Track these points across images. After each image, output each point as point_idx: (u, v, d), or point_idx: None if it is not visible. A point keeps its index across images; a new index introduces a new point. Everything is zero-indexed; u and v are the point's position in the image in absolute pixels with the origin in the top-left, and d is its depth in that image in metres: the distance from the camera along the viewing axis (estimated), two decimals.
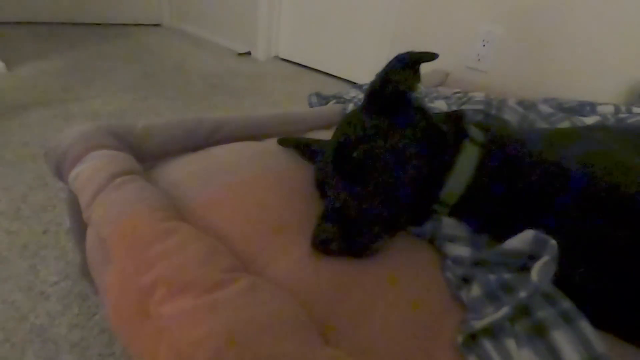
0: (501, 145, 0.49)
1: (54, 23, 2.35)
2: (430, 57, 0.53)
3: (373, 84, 0.54)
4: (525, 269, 0.38)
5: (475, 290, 0.38)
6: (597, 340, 0.32)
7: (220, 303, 0.33)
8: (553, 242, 0.37)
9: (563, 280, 0.38)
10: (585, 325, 0.33)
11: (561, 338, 0.33)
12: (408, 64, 0.52)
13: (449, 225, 0.48)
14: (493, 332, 0.34)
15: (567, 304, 0.35)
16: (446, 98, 0.86)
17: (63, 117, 1.25)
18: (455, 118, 0.53)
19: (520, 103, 0.93)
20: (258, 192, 0.51)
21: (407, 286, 0.41)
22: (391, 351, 0.34)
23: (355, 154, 0.47)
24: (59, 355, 0.53)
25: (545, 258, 0.36)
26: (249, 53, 2.41)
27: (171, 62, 2.04)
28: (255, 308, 0.33)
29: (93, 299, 0.62)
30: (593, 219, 0.40)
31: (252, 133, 0.70)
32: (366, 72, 0.48)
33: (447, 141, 0.50)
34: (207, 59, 2.22)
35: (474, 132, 0.51)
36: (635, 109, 0.95)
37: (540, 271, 0.35)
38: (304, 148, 0.64)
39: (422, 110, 0.53)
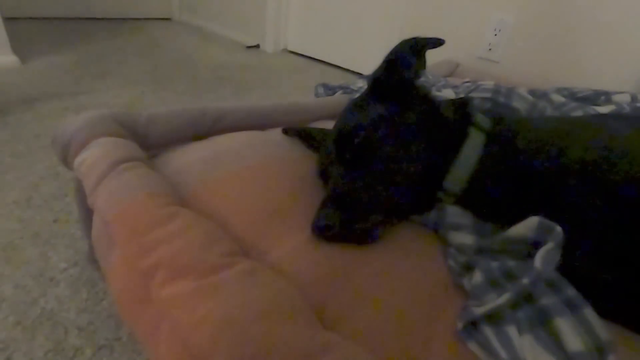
0: (508, 132, 0.48)
1: (67, 18, 2.39)
2: (437, 42, 0.52)
3: (377, 70, 0.54)
4: (529, 256, 0.37)
5: (478, 277, 0.37)
6: (602, 328, 0.31)
7: (219, 286, 0.33)
8: (558, 228, 0.36)
9: (568, 268, 0.37)
10: (589, 313, 0.32)
11: (564, 325, 0.32)
12: (413, 50, 0.51)
13: (454, 213, 0.47)
14: (494, 318, 0.33)
15: (571, 292, 0.34)
16: (454, 87, 0.84)
17: (74, 109, 1.27)
18: (461, 105, 0.52)
19: (532, 92, 0.91)
20: (260, 179, 0.51)
21: (407, 273, 0.40)
22: (388, 336, 0.34)
23: (357, 141, 0.46)
24: (68, 338, 0.55)
25: (549, 245, 0.35)
26: (257, 46, 2.41)
27: (181, 56, 2.06)
28: (252, 292, 0.33)
29: (101, 285, 0.64)
30: (599, 207, 0.39)
31: (256, 123, 0.70)
32: (374, 63, 0.48)
33: (452, 128, 0.49)
34: (216, 52, 2.22)
35: (480, 118, 0.50)
36: None
37: (544, 258, 0.34)
38: (308, 137, 0.64)
39: (426, 97, 0.52)
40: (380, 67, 0.53)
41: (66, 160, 0.51)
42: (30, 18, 2.26)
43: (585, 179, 0.41)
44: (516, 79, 1.26)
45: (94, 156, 0.46)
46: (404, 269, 0.41)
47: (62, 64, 1.66)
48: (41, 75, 1.52)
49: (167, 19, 2.91)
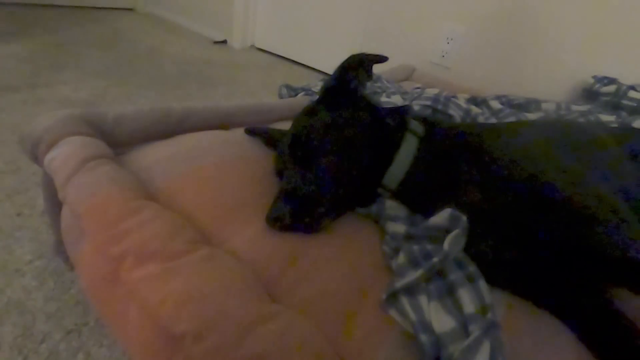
0: (436, 137, 0.57)
1: (22, 4, 2.28)
2: (381, 58, 0.59)
3: (328, 80, 0.61)
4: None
5: (402, 259, 0.45)
6: (487, 294, 0.40)
7: (182, 268, 0.39)
8: (464, 218, 0.45)
9: (475, 248, 0.46)
10: (482, 284, 0.41)
11: (464, 294, 0.41)
12: (360, 64, 0.59)
13: (391, 207, 0.55)
14: (410, 290, 0.41)
15: (472, 268, 0.43)
16: (403, 93, 0.93)
17: (33, 103, 1.25)
18: (399, 112, 0.60)
19: (473, 98, 1.02)
20: (222, 176, 0.56)
21: (347, 257, 0.47)
22: (327, 306, 0.41)
23: (307, 143, 0.53)
24: (36, 324, 0.58)
25: (456, 231, 0.44)
26: (225, 42, 2.41)
27: (145, 48, 2.03)
28: (211, 272, 0.39)
29: (68, 275, 0.67)
30: (502, 200, 0.48)
31: (221, 122, 0.75)
32: (338, 63, 0.53)
33: (390, 133, 0.57)
34: (182, 46, 2.21)
35: (414, 125, 0.58)
36: (574, 107, 1.06)
37: (451, 241, 0.43)
38: (268, 137, 0.70)
39: (370, 106, 0.59)
40: (331, 78, 0.60)
41: (36, 158, 0.54)
42: None
43: (493, 178, 0.50)
44: (465, 84, 1.38)
45: (64, 154, 0.50)
46: (345, 253, 0.48)
47: (18, 54, 1.61)
48: None
49: (130, 9, 2.83)
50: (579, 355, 0.43)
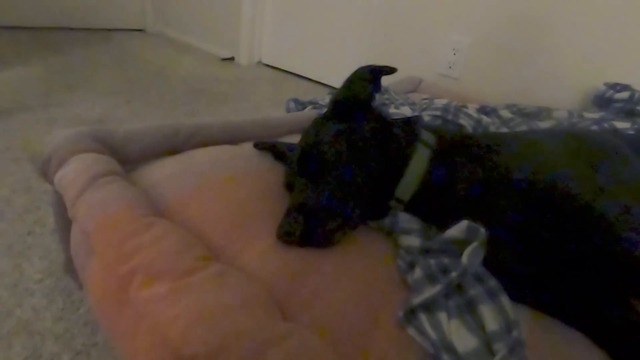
0: (449, 147, 0.56)
1: (37, 28, 2.35)
2: (390, 70, 0.59)
3: (337, 93, 0.60)
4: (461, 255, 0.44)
5: (418, 273, 0.44)
6: (512, 310, 0.38)
7: (192, 287, 0.38)
8: (482, 230, 0.43)
9: (494, 262, 0.44)
10: (504, 299, 0.39)
11: (486, 311, 0.39)
12: (369, 76, 0.58)
13: (404, 219, 0.53)
14: (429, 307, 0.40)
15: (492, 282, 0.41)
16: (412, 104, 0.92)
17: (45, 122, 1.27)
18: (409, 123, 0.59)
19: (483, 108, 1.00)
20: (231, 191, 0.56)
21: (361, 272, 0.46)
22: (342, 324, 0.39)
23: (317, 156, 0.52)
24: (45, 346, 0.57)
25: (474, 244, 0.42)
26: (232, 58, 2.45)
27: (154, 67, 2.07)
28: (222, 291, 0.38)
29: (77, 294, 0.66)
30: (522, 211, 0.47)
31: (229, 137, 0.75)
32: (345, 77, 0.54)
33: (401, 144, 0.56)
34: (191, 64, 2.25)
35: (426, 135, 0.57)
36: (587, 114, 1.04)
37: (469, 255, 0.41)
38: (277, 151, 0.69)
39: (380, 117, 0.58)
40: (340, 90, 0.59)
41: (46, 176, 0.54)
42: None
43: (510, 189, 0.49)
44: (473, 95, 1.37)
45: (74, 171, 0.50)
46: (358, 268, 0.47)
47: (31, 75, 1.65)
48: (10, 86, 1.50)
49: (140, 30, 2.91)
50: None
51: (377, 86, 0.60)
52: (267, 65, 2.44)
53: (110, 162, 0.54)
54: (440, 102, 0.85)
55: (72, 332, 0.59)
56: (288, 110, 1.10)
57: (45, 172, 0.53)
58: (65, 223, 0.57)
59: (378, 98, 1.07)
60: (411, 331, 0.39)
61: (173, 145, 0.66)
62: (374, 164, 0.53)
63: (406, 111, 0.85)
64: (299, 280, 0.43)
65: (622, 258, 0.42)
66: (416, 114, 0.80)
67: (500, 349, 0.34)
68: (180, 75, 2.01)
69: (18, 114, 1.29)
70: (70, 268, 0.61)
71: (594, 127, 0.94)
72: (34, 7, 2.36)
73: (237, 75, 2.18)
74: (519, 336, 0.36)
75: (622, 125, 0.95)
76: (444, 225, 0.51)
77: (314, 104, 1.07)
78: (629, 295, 0.46)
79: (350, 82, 0.58)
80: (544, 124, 0.99)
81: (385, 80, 1.20)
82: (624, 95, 1.06)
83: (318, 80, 2.22)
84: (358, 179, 0.51)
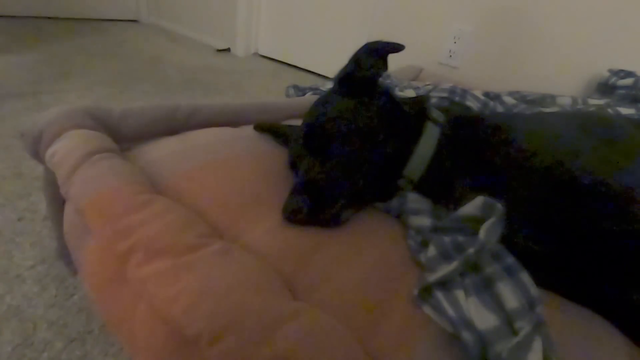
0: (459, 124, 0.54)
1: (29, 17, 2.29)
2: (398, 47, 0.56)
3: (343, 69, 0.58)
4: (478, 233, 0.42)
5: (432, 251, 0.42)
6: (533, 286, 0.36)
7: (195, 263, 0.36)
8: (499, 205, 0.41)
9: (511, 244, 0.42)
10: (524, 276, 0.38)
11: (504, 287, 0.37)
12: (376, 52, 0.56)
13: (414, 200, 0.51)
14: (445, 285, 0.38)
15: (510, 260, 0.39)
16: (416, 88, 0.90)
17: (36, 109, 1.23)
18: (418, 101, 0.57)
19: (486, 94, 0.99)
20: (233, 170, 0.53)
21: (370, 251, 0.44)
22: (353, 303, 0.37)
23: (323, 132, 0.50)
24: (37, 332, 0.54)
25: (492, 219, 0.40)
26: (228, 49, 2.41)
27: (148, 58, 2.03)
28: (226, 268, 0.36)
29: (71, 280, 0.63)
30: (536, 189, 0.45)
31: (228, 120, 0.72)
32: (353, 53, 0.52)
33: (410, 122, 0.54)
34: (186, 54, 2.21)
35: (435, 113, 0.55)
36: (591, 101, 1.03)
37: (487, 230, 0.39)
38: (277, 133, 0.67)
39: (387, 94, 0.56)
40: (346, 66, 0.57)
41: (37, 153, 0.51)
42: None
43: (524, 166, 0.47)
44: (474, 83, 1.35)
45: (67, 147, 0.47)
46: (367, 247, 0.45)
47: (22, 63, 1.60)
48: (1, 74, 1.46)
49: (134, 20, 2.85)
50: (632, 354, 0.39)
51: (383, 63, 0.57)
52: (264, 57, 2.41)
53: (105, 139, 0.51)
54: (445, 85, 0.83)
55: (66, 319, 0.57)
56: (288, 96, 1.07)
57: (36, 149, 0.50)
58: (57, 205, 0.54)
59: (380, 82, 1.05)
60: (427, 309, 0.37)
61: (171, 126, 0.63)
62: (382, 140, 0.50)
63: (410, 94, 0.83)
64: (307, 260, 0.41)
65: (637, 236, 0.41)
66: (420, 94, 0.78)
67: (524, 326, 0.32)
68: (175, 65, 1.97)
69: (8, 101, 1.24)
70: (63, 253, 0.59)
71: (608, 113, 0.93)
72: None
73: (234, 66, 2.14)
74: (542, 313, 0.34)
75: (626, 111, 0.94)
76: (454, 205, 0.49)
77: (314, 89, 1.04)
78: None
79: (357, 58, 0.56)
80: (548, 110, 0.97)
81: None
82: (628, 81, 1.05)
83: (316, 71, 2.19)
84: (365, 155, 0.49)
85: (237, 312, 0.32)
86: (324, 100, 0.56)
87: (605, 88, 1.12)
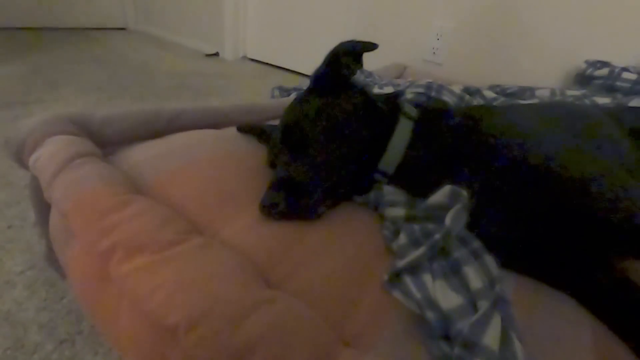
0: (431, 119, 0.56)
1: (16, 28, 2.30)
2: (371, 46, 0.58)
3: (319, 68, 0.59)
4: None
5: (402, 239, 0.43)
6: (494, 266, 0.38)
7: (172, 258, 0.37)
8: (464, 193, 0.43)
9: (481, 227, 0.44)
10: (488, 258, 0.40)
11: (470, 271, 0.39)
12: (350, 52, 0.58)
13: (389, 192, 0.53)
14: (414, 270, 0.40)
15: (476, 244, 0.41)
16: (396, 85, 0.92)
17: (24, 118, 1.23)
18: (393, 97, 0.59)
19: (466, 89, 1.01)
20: (214, 170, 0.55)
21: (346, 242, 0.46)
22: (326, 291, 0.39)
23: (299, 130, 0.51)
24: (27, 335, 0.55)
25: (457, 206, 0.42)
26: (216, 54, 2.43)
27: (137, 64, 2.04)
28: (203, 261, 0.38)
29: (60, 284, 0.64)
30: (503, 176, 0.47)
31: (211, 122, 0.74)
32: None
33: (384, 117, 0.55)
34: (174, 60, 2.22)
35: (408, 108, 0.57)
36: (569, 92, 1.05)
37: (453, 217, 0.41)
38: (261, 133, 0.69)
39: (362, 92, 0.58)
40: (321, 66, 0.59)
41: (21, 160, 0.52)
42: None
43: (490, 155, 0.49)
44: (458, 79, 1.37)
45: (49, 152, 0.48)
46: (343, 239, 0.46)
47: (11, 74, 1.61)
48: None
49: (122, 28, 2.86)
50: (596, 330, 0.41)
51: (358, 61, 0.59)
52: (252, 60, 2.42)
53: (86, 144, 0.52)
54: (422, 81, 0.85)
55: (56, 321, 0.58)
56: (273, 97, 1.09)
57: (20, 155, 0.52)
58: (44, 210, 0.56)
59: (362, 80, 1.07)
60: (396, 293, 0.38)
61: (154, 129, 0.65)
62: (357, 137, 0.52)
63: (390, 90, 0.85)
64: (283, 252, 0.43)
65: (600, 219, 0.43)
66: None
67: (484, 303, 0.34)
68: (164, 71, 1.98)
69: None
70: (52, 258, 0.60)
71: (579, 103, 0.95)
72: (13, 7, 2.30)
73: (222, 70, 2.16)
74: (502, 292, 0.36)
75: (602, 100, 0.96)
76: (428, 196, 0.51)
77: (299, 90, 1.06)
78: (611, 255, 0.46)
79: (332, 56, 0.57)
80: (523, 103, 0.99)
81: (370, 66, 1.20)
82: (604, 72, 1.08)
83: (302, 72, 2.21)
84: (340, 152, 0.50)
85: (211, 302, 0.33)
86: (301, 99, 0.57)
87: (582, 79, 1.15)
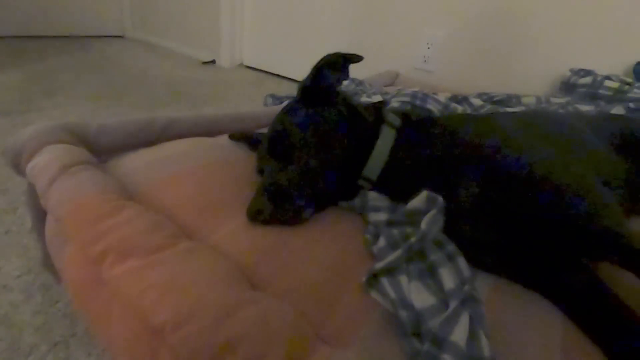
0: (412, 128, 0.58)
1: (13, 37, 2.32)
2: (356, 58, 0.61)
3: (305, 80, 0.62)
4: None
5: (382, 242, 0.46)
6: (466, 268, 0.41)
7: (161, 261, 0.39)
8: (440, 199, 0.45)
9: (455, 231, 0.47)
10: (461, 260, 0.42)
11: (445, 273, 0.41)
12: (335, 64, 0.60)
13: (373, 198, 0.56)
14: (391, 271, 0.42)
15: (451, 247, 0.44)
16: (384, 94, 0.95)
17: (22, 127, 1.25)
18: (376, 107, 0.61)
19: (454, 97, 1.04)
20: (203, 177, 0.57)
21: (330, 246, 0.48)
22: (308, 292, 0.41)
23: (285, 140, 0.54)
24: (23, 337, 0.57)
25: (433, 211, 0.44)
26: (213, 61, 2.46)
27: (134, 72, 2.06)
28: (191, 263, 0.40)
29: (56, 288, 0.66)
30: (479, 182, 0.49)
31: (204, 130, 0.76)
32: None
33: (368, 126, 0.58)
34: (171, 68, 2.25)
35: (391, 117, 0.59)
36: (554, 100, 1.08)
37: (428, 221, 0.43)
38: (252, 141, 0.71)
39: (346, 102, 0.61)
40: (308, 77, 0.61)
41: (18, 167, 0.54)
42: None
43: (468, 162, 0.51)
44: (448, 86, 1.41)
45: (45, 160, 0.50)
46: (327, 242, 0.48)
47: (9, 82, 1.63)
48: None
49: (119, 36, 2.89)
50: (567, 330, 0.43)
51: (344, 73, 0.62)
52: (249, 67, 2.46)
53: (82, 153, 0.55)
54: (408, 90, 0.87)
55: (51, 324, 0.60)
56: (266, 105, 1.12)
57: (18, 163, 0.54)
58: (40, 216, 0.58)
59: (353, 89, 1.10)
60: (374, 294, 0.41)
61: (147, 138, 0.67)
62: (341, 145, 0.55)
63: (377, 99, 0.88)
64: (268, 255, 0.45)
65: (569, 222, 0.45)
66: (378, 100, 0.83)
67: (453, 302, 0.36)
68: (161, 79, 2.01)
69: None
70: (48, 263, 0.62)
71: (560, 111, 0.98)
72: (9, 16, 2.33)
73: (219, 77, 2.19)
74: (472, 291, 0.38)
75: (585, 108, 0.99)
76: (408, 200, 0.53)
77: (291, 98, 1.09)
78: (582, 256, 0.49)
79: (318, 69, 0.60)
80: (511, 110, 1.02)
81: (363, 74, 1.23)
82: (587, 80, 1.11)
83: (297, 79, 2.23)
84: (324, 159, 0.53)
85: (197, 303, 0.35)
86: (287, 109, 0.60)
87: (567, 87, 1.18)
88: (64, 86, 1.69)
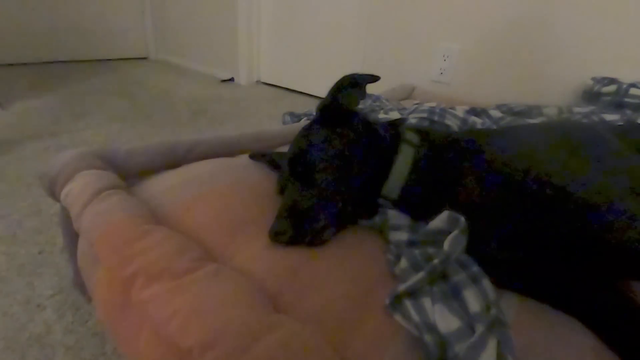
0: (432, 146, 0.58)
1: (44, 63, 2.46)
2: (373, 78, 0.62)
3: (323, 100, 0.63)
4: None
5: (404, 263, 0.46)
6: (492, 291, 0.40)
7: (188, 285, 0.41)
8: (462, 219, 0.45)
9: (481, 250, 0.46)
10: (486, 282, 0.41)
11: (469, 295, 0.40)
12: (353, 84, 0.61)
13: (394, 216, 0.56)
14: (415, 294, 0.41)
15: (475, 268, 0.43)
16: (401, 109, 0.95)
17: (55, 149, 1.33)
18: (394, 125, 0.62)
19: (473, 109, 1.03)
20: (226, 198, 0.58)
21: (352, 266, 0.48)
22: (331, 315, 0.41)
23: (305, 161, 0.55)
24: (55, 357, 0.59)
25: (455, 232, 0.44)
26: (232, 79, 2.53)
27: (157, 92, 2.15)
28: (216, 287, 0.41)
29: (86, 307, 0.69)
30: (501, 201, 0.49)
31: (226, 151, 0.78)
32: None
33: (387, 145, 0.58)
34: (192, 87, 2.33)
35: (410, 136, 0.60)
36: (576, 109, 1.06)
37: (451, 242, 0.43)
38: (272, 161, 0.72)
39: (365, 121, 0.61)
40: (326, 98, 0.63)
41: (54, 193, 0.57)
42: (8, 64, 2.33)
43: (490, 181, 0.51)
44: (465, 98, 1.40)
45: (78, 187, 0.53)
46: (350, 263, 0.49)
47: (41, 106, 1.73)
48: (21, 118, 1.58)
49: (143, 58, 3.02)
50: (598, 351, 0.42)
51: (360, 93, 0.63)
52: (266, 84, 2.51)
53: (112, 177, 0.57)
54: (427, 105, 0.88)
55: (82, 343, 0.62)
56: (284, 123, 1.14)
57: (53, 190, 0.57)
58: (72, 239, 0.60)
59: (369, 105, 1.10)
60: (397, 317, 0.40)
61: (172, 160, 0.69)
62: (360, 165, 0.55)
63: (395, 116, 0.88)
64: (291, 276, 0.45)
65: (602, 241, 0.44)
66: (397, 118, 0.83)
67: (480, 327, 0.36)
68: (183, 98, 2.08)
69: (29, 143, 1.35)
70: (78, 282, 0.64)
71: (584, 121, 0.96)
72: (42, 44, 2.48)
73: (237, 95, 2.25)
74: (500, 315, 0.37)
75: (611, 117, 0.97)
76: (429, 219, 0.53)
77: (309, 116, 1.11)
78: (615, 278, 0.47)
79: (335, 90, 0.61)
80: (534, 121, 1.00)
81: (379, 89, 1.24)
82: (611, 88, 1.08)
83: (315, 94, 2.27)
84: (344, 180, 0.53)
85: (223, 326, 0.36)
86: (307, 130, 0.61)
87: (590, 96, 1.15)
88: (92, 108, 1.77)
